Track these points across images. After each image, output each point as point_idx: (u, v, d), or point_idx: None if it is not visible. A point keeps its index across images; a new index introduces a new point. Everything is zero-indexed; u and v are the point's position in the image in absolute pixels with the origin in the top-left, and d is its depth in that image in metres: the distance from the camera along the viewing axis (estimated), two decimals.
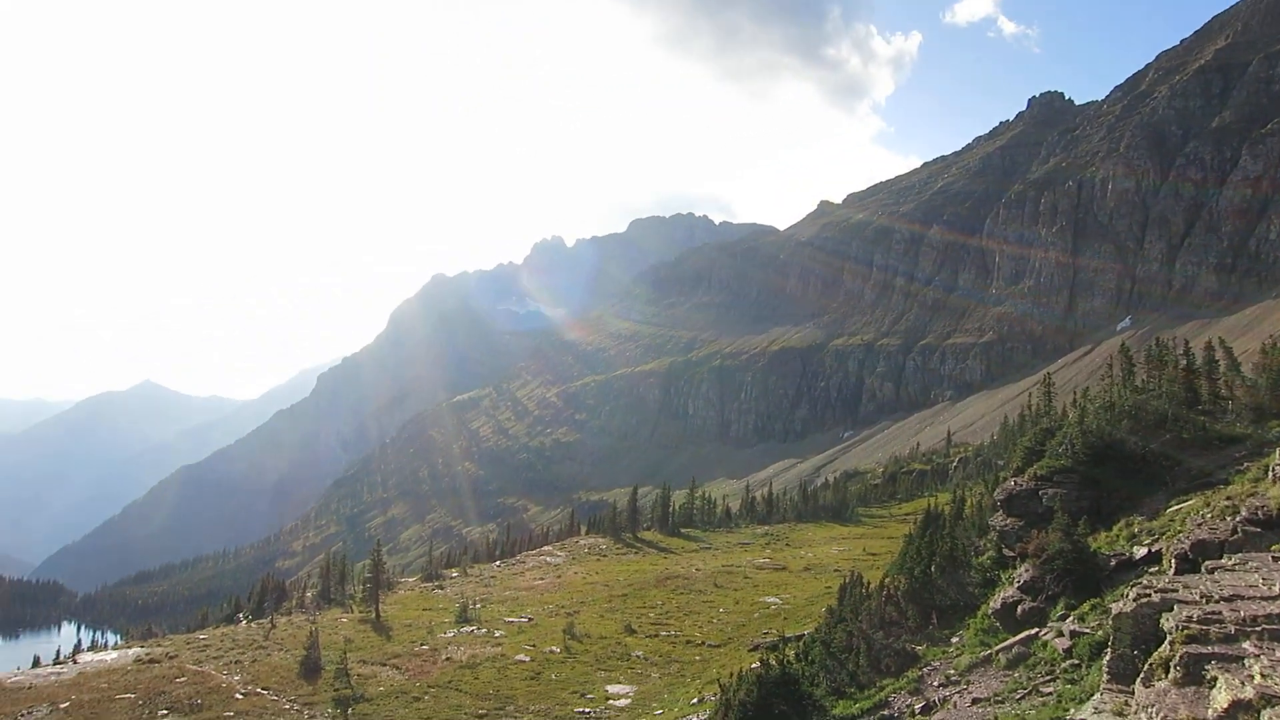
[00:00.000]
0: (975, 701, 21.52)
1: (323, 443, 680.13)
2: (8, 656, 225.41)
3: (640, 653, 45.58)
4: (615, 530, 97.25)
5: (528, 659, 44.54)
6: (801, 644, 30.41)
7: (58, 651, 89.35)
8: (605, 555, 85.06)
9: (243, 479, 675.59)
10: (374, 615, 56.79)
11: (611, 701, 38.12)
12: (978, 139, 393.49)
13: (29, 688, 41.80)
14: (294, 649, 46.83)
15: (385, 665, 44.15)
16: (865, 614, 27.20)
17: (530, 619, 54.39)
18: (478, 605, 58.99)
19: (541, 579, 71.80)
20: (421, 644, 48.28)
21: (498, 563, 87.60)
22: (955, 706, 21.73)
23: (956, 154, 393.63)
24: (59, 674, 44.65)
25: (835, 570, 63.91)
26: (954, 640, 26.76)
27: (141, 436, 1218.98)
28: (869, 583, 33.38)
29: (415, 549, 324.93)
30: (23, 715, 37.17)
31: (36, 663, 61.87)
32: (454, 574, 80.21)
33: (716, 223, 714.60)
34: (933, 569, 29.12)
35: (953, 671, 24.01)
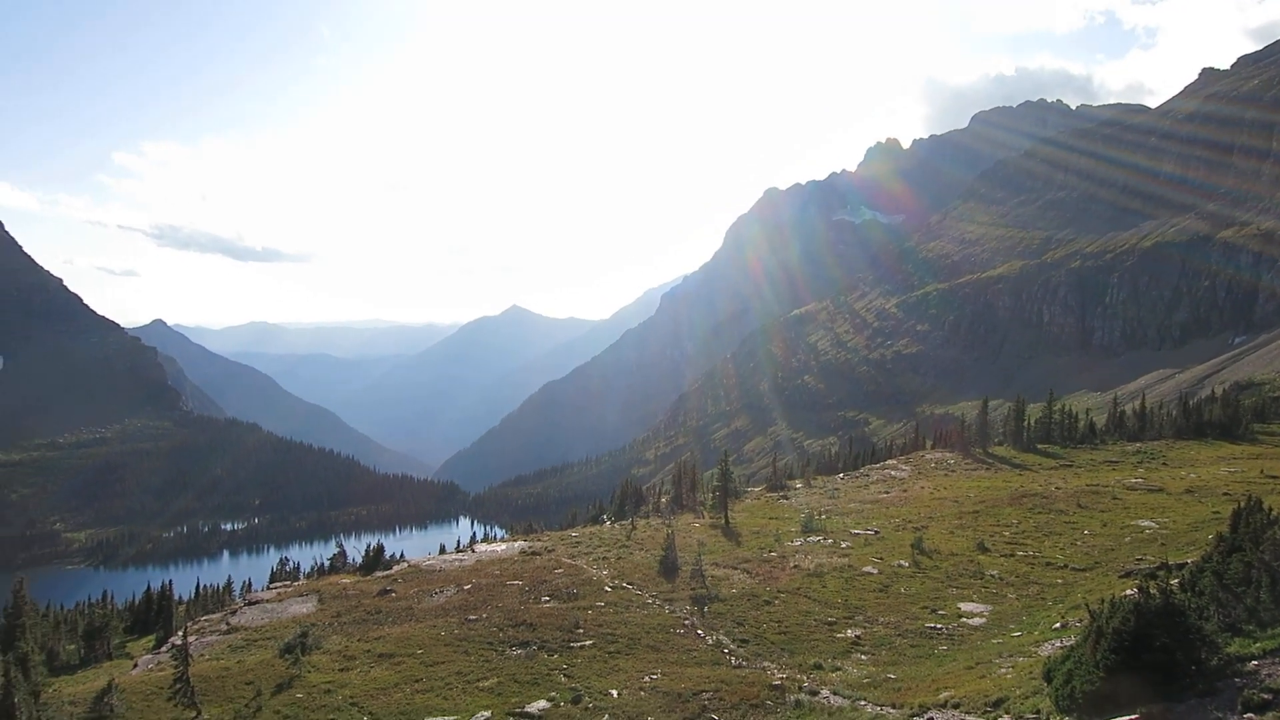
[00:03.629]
0: None
1: (668, 358, 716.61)
2: (420, 544, 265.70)
3: (994, 572, 43.77)
4: (964, 445, 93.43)
5: (875, 571, 44.48)
6: (1186, 573, 27.47)
7: (458, 541, 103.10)
8: (953, 470, 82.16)
9: (598, 393, 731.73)
10: (723, 521, 59.51)
11: (964, 620, 37.09)
12: None
13: (439, 571, 48.98)
14: (653, 549, 50.45)
15: (736, 569, 46.19)
16: (1269, 543, 23.87)
17: (876, 532, 54.13)
18: (822, 516, 59.72)
19: (886, 493, 71.00)
20: (769, 551, 49.87)
21: (841, 475, 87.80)
22: None
23: None
24: (461, 561, 51.76)
25: (1224, 494, 56.84)
26: None
27: (512, 356, 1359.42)
28: (1270, 509, 29.18)
29: (758, 460, 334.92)
30: (436, 592, 43.68)
31: (442, 550, 72.16)
32: (797, 485, 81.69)
33: (1073, 107, 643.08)
34: None
35: None
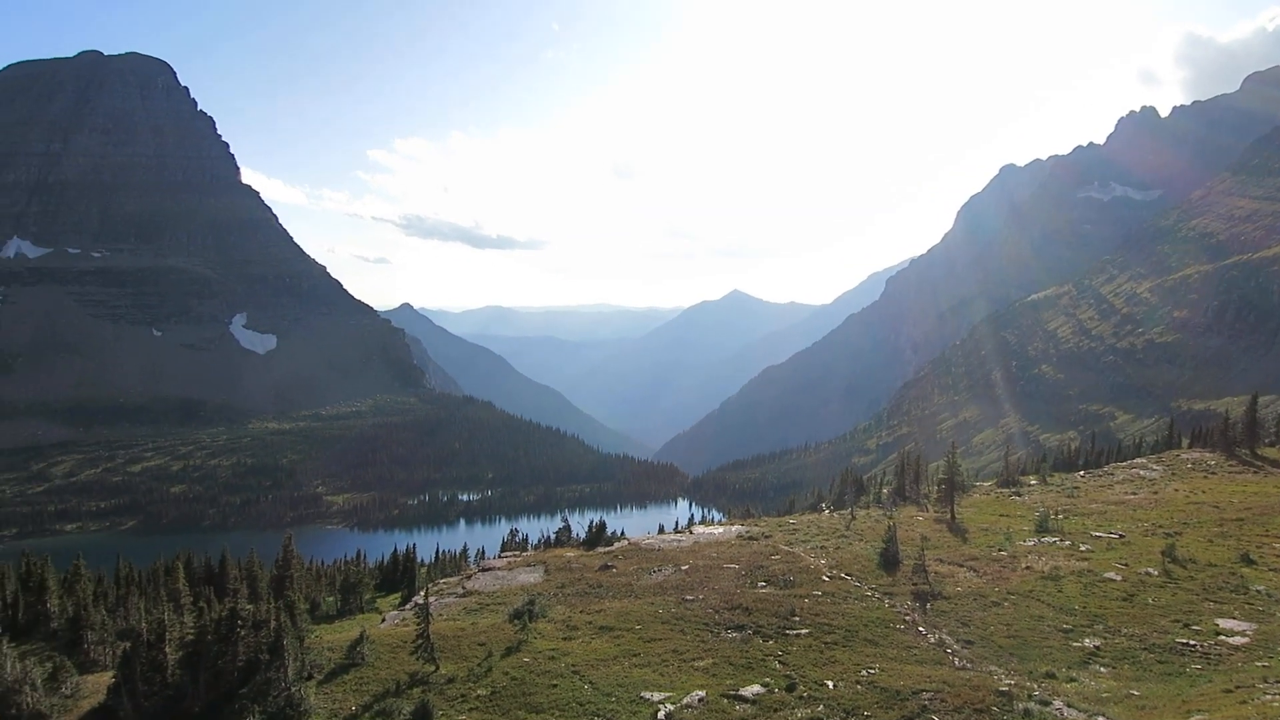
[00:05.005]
0: None
1: (892, 345, 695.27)
2: (639, 522, 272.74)
3: (1261, 587, 39.42)
4: (1227, 445, 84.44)
5: (1118, 578, 41.21)
6: None
7: (676, 522, 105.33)
8: (1213, 473, 74.52)
9: (818, 380, 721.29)
10: (949, 516, 57.12)
11: (1223, 637, 33.69)
12: None
13: (658, 550, 50.15)
14: (873, 541, 49.23)
15: (962, 566, 44.23)
16: None
17: (1121, 536, 50.08)
18: (1059, 516, 56.02)
19: (1133, 494, 65.50)
20: (999, 550, 47.35)
21: (1081, 473, 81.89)
22: None
23: None
24: (679, 541, 52.74)
25: None
26: None
27: (732, 340, 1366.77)
28: None
29: (988, 453, 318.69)
30: (654, 571, 44.81)
31: (661, 530, 73.88)
32: (1031, 481, 77.00)
33: None
34: None
35: None
